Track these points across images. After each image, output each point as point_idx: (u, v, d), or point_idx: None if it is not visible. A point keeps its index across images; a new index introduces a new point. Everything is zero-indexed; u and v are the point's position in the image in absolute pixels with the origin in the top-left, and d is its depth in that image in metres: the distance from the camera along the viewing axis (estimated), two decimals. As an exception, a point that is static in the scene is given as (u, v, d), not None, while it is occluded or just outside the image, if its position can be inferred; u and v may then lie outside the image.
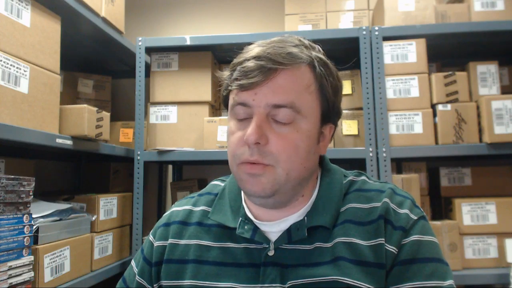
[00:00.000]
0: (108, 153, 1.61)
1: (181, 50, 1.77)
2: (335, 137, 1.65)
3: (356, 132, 1.65)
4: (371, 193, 0.74)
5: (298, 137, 0.69)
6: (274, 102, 0.67)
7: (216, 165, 2.15)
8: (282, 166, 0.68)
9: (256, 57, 0.68)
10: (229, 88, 0.72)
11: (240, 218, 0.74)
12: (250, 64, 0.68)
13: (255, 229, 0.72)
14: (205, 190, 0.84)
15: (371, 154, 1.57)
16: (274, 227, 0.72)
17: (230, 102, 0.72)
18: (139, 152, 1.70)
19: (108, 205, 1.57)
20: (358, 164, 1.65)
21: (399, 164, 1.74)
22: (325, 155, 0.80)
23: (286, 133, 0.68)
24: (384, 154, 1.56)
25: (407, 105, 1.59)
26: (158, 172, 2.24)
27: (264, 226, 0.73)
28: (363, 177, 0.78)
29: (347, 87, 1.71)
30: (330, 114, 0.74)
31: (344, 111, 1.68)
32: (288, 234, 0.71)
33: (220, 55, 1.83)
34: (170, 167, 2.28)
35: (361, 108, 1.65)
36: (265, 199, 0.70)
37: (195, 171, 2.23)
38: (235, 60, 0.72)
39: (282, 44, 0.70)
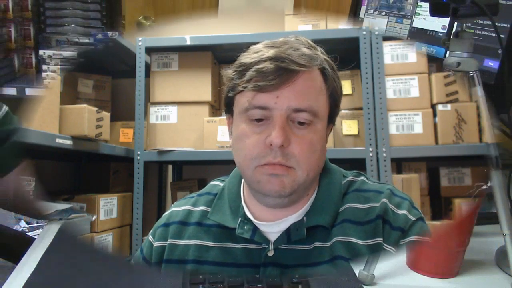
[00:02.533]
0: (108, 153, 1.61)
1: (181, 50, 1.77)
2: (335, 137, 1.65)
3: (356, 132, 1.65)
4: (369, 194, 0.74)
5: (315, 138, 0.69)
6: (296, 106, 0.67)
7: (216, 165, 2.14)
8: (303, 168, 0.68)
9: (274, 58, 0.67)
10: (240, 89, 0.70)
11: (240, 219, 0.74)
12: (269, 65, 0.66)
13: (255, 229, 0.72)
14: (205, 190, 0.84)
15: (371, 154, 1.57)
16: (273, 228, 0.72)
17: (243, 104, 0.70)
18: (139, 152, 1.70)
19: (108, 205, 1.57)
20: (358, 164, 1.65)
21: (399, 164, 1.73)
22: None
23: (305, 135, 0.68)
24: (384, 154, 1.56)
25: (407, 105, 1.58)
26: (158, 172, 2.23)
27: (263, 227, 0.73)
28: (362, 178, 0.78)
29: (347, 87, 1.71)
30: (334, 115, 0.75)
31: (344, 111, 1.68)
32: (288, 234, 0.71)
33: (220, 55, 1.82)
34: (170, 167, 2.28)
35: (361, 108, 1.65)
36: (282, 199, 0.70)
37: (195, 171, 2.23)
38: (245, 60, 0.70)
39: (296, 45, 0.69)
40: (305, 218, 0.72)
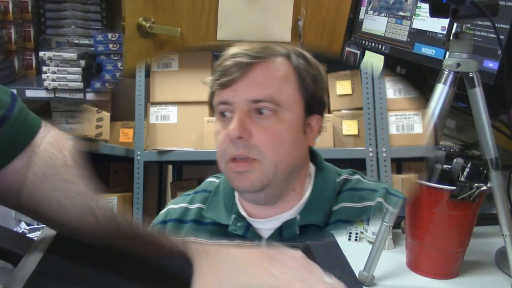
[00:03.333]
0: (108, 153, 1.61)
1: (181, 50, 1.77)
2: (335, 137, 1.65)
3: (356, 132, 1.65)
4: (364, 192, 0.74)
5: (281, 128, 0.70)
6: (253, 97, 0.69)
7: (216, 165, 2.14)
8: (269, 159, 0.69)
9: (233, 55, 0.71)
10: (212, 90, 0.74)
11: (234, 215, 0.75)
12: (228, 62, 0.70)
13: (248, 226, 0.73)
14: (201, 187, 0.85)
15: (371, 154, 1.57)
16: (266, 224, 0.74)
17: (214, 103, 0.74)
18: (139, 152, 1.70)
19: (108, 205, 1.57)
20: (358, 164, 1.65)
21: (399, 164, 1.73)
22: (318, 153, 0.80)
23: (269, 125, 0.70)
24: (384, 154, 1.56)
25: (407, 105, 1.58)
26: (158, 172, 2.24)
27: (257, 223, 0.74)
28: (357, 176, 0.78)
29: (347, 87, 1.71)
30: (313, 105, 0.75)
31: (344, 111, 1.68)
32: (280, 232, 0.72)
33: (220, 55, 1.82)
34: (170, 167, 2.28)
35: (361, 108, 1.65)
36: (256, 194, 0.71)
37: (195, 171, 2.23)
38: (216, 63, 0.75)
39: (259, 41, 0.74)
40: (298, 216, 0.72)
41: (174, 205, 0.83)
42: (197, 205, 0.80)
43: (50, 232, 0.78)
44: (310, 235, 0.71)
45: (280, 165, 0.69)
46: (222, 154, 0.72)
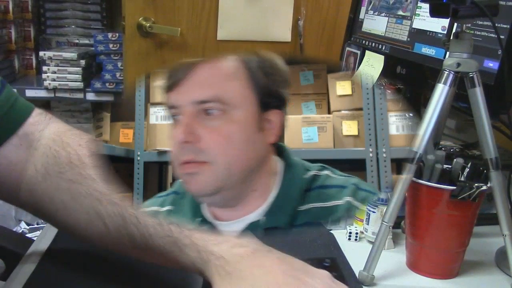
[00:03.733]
0: (108, 154, 1.61)
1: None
2: (335, 137, 1.65)
3: (356, 133, 1.65)
4: (332, 190, 0.73)
5: (231, 128, 0.68)
6: (198, 99, 0.68)
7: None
8: (220, 161, 0.68)
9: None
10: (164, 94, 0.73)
11: (198, 219, 0.74)
12: (175, 65, 0.71)
13: (213, 229, 0.72)
14: (172, 189, 0.85)
15: (371, 155, 1.57)
16: (231, 227, 0.73)
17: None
18: (139, 153, 1.70)
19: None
20: (358, 165, 1.65)
21: (399, 165, 1.73)
22: (286, 148, 0.79)
23: (218, 126, 0.68)
24: (384, 155, 1.56)
25: (407, 106, 1.58)
26: (158, 172, 2.23)
27: (222, 226, 0.73)
28: (326, 172, 0.77)
29: (347, 88, 1.71)
30: (269, 100, 0.73)
31: (344, 111, 1.68)
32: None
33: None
34: (170, 167, 2.27)
35: (361, 109, 1.65)
36: (211, 197, 0.70)
37: (195, 171, 2.23)
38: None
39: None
40: (262, 218, 0.71)
41: (145, 208, 0.82)
42: (167, 207, 0.80)
43: (42, 244, 0.76)
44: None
45: (233, 167, 0.68)
46: (174, 158, 0.71)
